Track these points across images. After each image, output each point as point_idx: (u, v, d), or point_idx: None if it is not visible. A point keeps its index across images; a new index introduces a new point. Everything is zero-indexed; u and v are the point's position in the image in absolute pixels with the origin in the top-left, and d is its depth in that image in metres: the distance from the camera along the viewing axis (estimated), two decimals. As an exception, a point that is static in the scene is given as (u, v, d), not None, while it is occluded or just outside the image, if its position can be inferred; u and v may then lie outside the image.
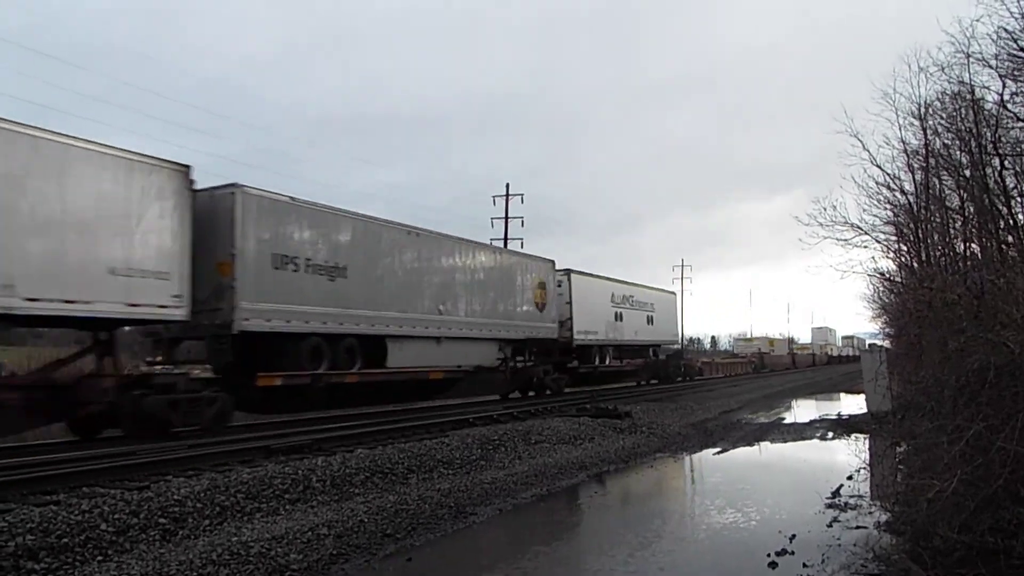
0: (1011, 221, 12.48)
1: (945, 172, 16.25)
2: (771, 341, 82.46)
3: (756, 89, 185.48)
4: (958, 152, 15.17)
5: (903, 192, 18.31)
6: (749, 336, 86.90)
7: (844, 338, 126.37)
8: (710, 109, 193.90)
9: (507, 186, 41.29)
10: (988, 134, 12.87)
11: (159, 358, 15.07)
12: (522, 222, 41.22)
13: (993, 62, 11.78)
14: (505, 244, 40.53)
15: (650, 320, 36.64)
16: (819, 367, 79.43)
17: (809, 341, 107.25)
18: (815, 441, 16.37)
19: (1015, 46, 10.98)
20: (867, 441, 15.39)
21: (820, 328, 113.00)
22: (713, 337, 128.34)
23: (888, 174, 17.93)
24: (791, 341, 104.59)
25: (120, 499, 7.91)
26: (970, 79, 13.04)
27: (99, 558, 6.80)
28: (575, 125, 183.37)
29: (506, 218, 41.05)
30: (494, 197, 41.44)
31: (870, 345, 31.43)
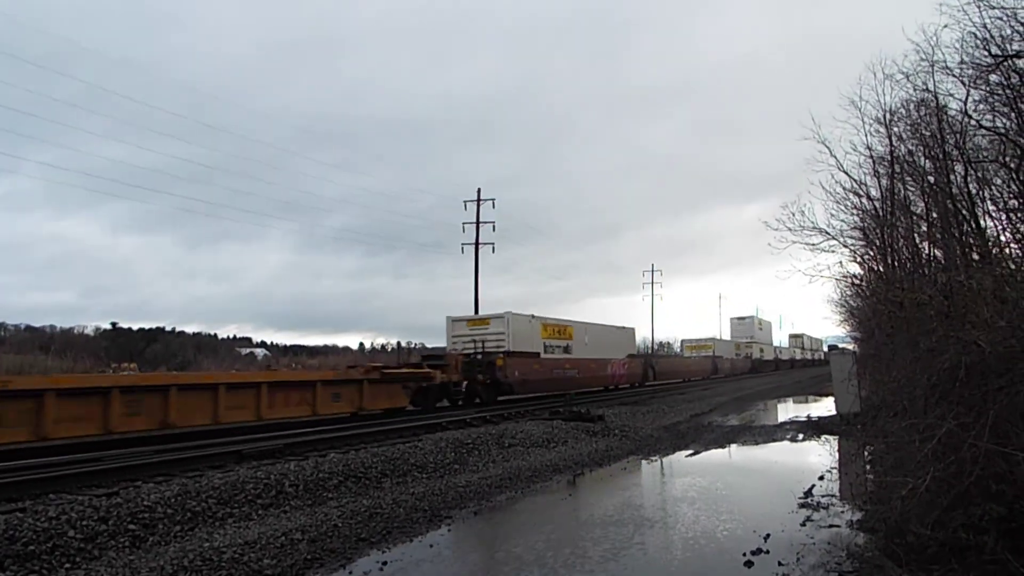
0: (974, 225, 12.71)
1: (910, 178, 16.53)
2: (556, 328, 30.02)
3: (734, 100, 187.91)
4: (923, 158, 15.44)
5: (869, 198, 18.57)
6: (481, 316, 29.55)
7: (792, 337, 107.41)
8: (689, 119, 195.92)
9: (478, 191, 41.28)
10: (952, 141, 13.12)
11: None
12: (493, 227, 41.26)
13: (957, 70, 12.00)
14: (476, 249, 40.55)
15: None
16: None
17: (721, 337, 73.29)
18: (786, 443, 16.53)
19: (978, 54, 11.21)
20: (837, 442, 15.60)
21: (744, 320, 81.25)
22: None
23: (855, 180, 18.18)
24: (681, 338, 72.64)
25: (88, 505, 7.76)
26: (934, 87, 13.27)
27: (67, 566, 6.67)
28: (556, 133, 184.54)
29: (477, 223, 41.08)
30: (465, 202, 41.44)
31: (830, 347, 31.80)
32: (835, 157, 17.36)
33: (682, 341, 69.56)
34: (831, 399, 21.70)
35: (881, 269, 18.44)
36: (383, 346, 73.28)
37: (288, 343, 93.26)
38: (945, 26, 11.40)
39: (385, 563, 7.42)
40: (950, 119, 13.37)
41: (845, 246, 17.76)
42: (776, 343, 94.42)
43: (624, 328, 37.33)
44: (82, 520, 7.38)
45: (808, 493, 10.02)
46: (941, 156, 13.53)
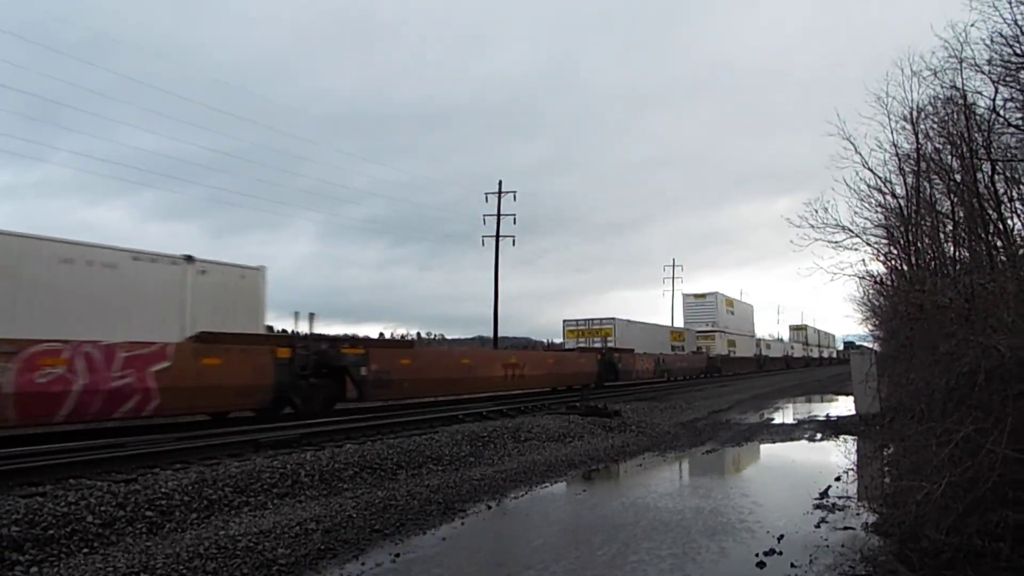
0: (1000, 226, 12.52)
1: (936, 176, 16.31)
2: None
3: (765, 93, 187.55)
4: (949, 156, 15.24)
5: (894, 195, 18.33)
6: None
7: (794, 329, 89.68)
8: (720, 112, 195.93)
9: (499, 183, 41.20)
10: (979, 139, 12.92)
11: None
12: (514, 219, 41.23)
13: (986, 67, 11.82)
14: (497, 242, 40.57)
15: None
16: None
17: (671, 323, 54.54)
18: (803, 442, 16.42)
19: (1008, 51, 11.02)
20: (855, 443, 15.47)
21: (703, 298, 56.05)
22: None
23: (879, 177, 17.95)
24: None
25: (107, 491, 7.88)
26: (962, 84, 13.07)
27: (85, 550, 6.76)
28: (586, 124, 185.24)
29: (498, 215, 41.08)
30: (487, 194, 41.40)
31: (847, 344, 31.51)
32: (860, 154, 17.15)
33: (563, 322, 38.36)
34: (851, 398, 21.49)
35: (905, 268, 18.22)
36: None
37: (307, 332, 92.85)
38: (971, 24, 11.24)
39: (398, 555, 7.46)
40: (978, 117, 13.18)
41: (868, 244, 17.58)
42: (766, 335, 74.96)
43: (180, 261, 15.16)
44: (100, 506, 7.49)
45: (824, 494, 9.95)
46: (968, 154, 13.33)
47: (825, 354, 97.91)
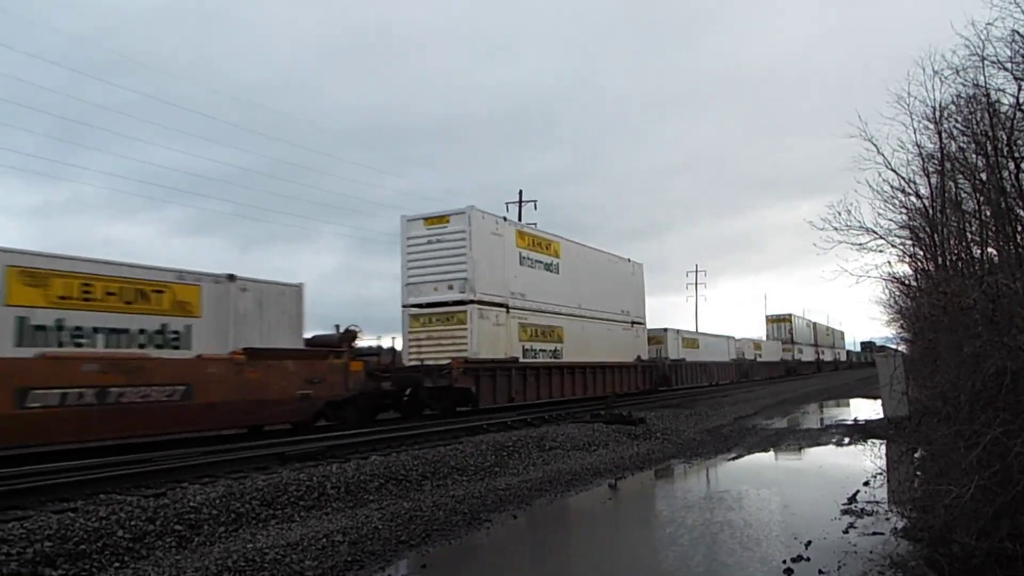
0: (1028, 225, 12.34)
1: (961, 176, 16.10)
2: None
3: (785, 97, 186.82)
4: (974, 155, 15.04)
5: (918, 196, 18.10)
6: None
7: (773, 321, 67.52)
8: (739, 116, 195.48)
9: (520, 192, 40.78)
10: (1004, 137, 12.76)
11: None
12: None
13: (1008, 64, 11.68)
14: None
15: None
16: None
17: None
18: (831, 447, 16.25)
19: (1030, 48, 10.88)
20: (883, 446, 15.28)
21: (436, 225, 20.00)
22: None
23: (903, 178, 17.72)
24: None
25: (137, 506, 7.99)
26: (985, 82, 12.90)
27: (116, 564, 6.86)
28: (606, 132, 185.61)
29: (518, 224, 40.90)
30: (507, 203, 41.24)
31: (864, 345, 30.89)
32: (882, 155, 16.95)
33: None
34: (878, 401, 21.24)
35: (931, 269, 18.00)
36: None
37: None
38: (991, 22, 11.11)
39: (424, 565, 7.50)
40: (1002, 115, 13.01)
41: (893, 246, 17.35)
42: (705, 330, 50.52)
43: None
44: (131, 520, 7.60)
45: (852, 499, 9.83)
46: (993, 152, 13.17)
47: (827, 356, 75.60)
